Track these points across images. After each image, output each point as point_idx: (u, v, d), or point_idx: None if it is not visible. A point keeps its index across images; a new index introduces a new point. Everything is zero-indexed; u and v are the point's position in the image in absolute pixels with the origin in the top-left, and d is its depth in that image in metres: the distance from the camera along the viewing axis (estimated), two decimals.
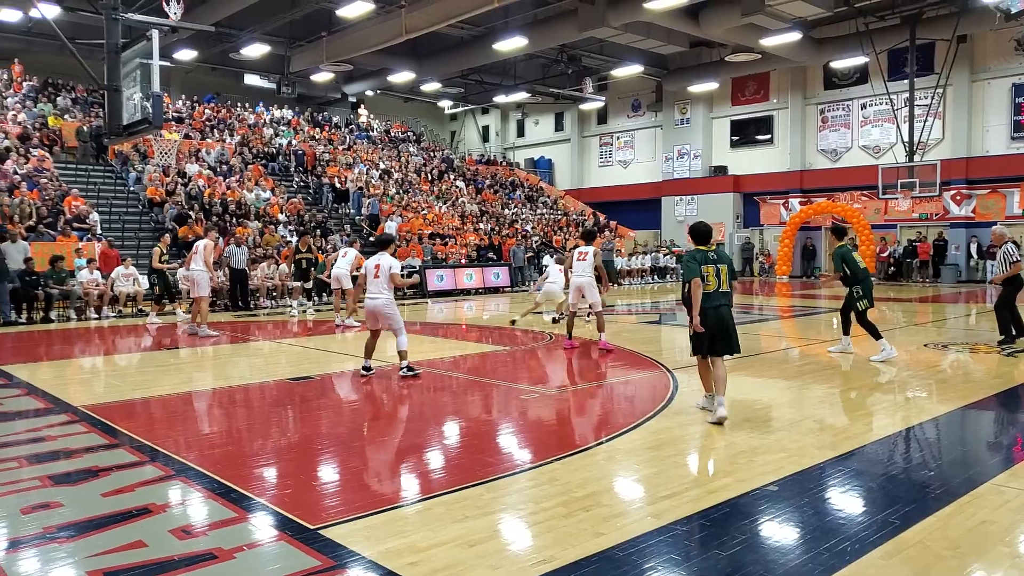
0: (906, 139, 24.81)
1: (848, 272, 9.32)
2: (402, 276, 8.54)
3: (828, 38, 26.68)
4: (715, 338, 6.21)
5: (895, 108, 25.30)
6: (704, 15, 22.93)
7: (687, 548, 3.72)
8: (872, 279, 9.67)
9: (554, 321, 13.68)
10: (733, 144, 32.47)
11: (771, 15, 21.36)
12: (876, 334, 9.32)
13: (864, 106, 28.55)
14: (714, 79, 30.07)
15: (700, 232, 6.40)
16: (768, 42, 24.19)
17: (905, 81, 25.08)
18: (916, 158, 24.81)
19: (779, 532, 3.99)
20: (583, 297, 10.47)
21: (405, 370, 8.34)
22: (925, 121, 24.79)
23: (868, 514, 4.19)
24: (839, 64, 27.60)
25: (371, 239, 23.75)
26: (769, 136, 31.32)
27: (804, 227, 28.85)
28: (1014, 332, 10.32)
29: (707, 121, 32.88)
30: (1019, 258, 10.24)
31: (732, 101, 32.23)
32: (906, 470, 5.10)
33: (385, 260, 8.34)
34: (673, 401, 7.06)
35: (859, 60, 25.73)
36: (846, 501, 4.45)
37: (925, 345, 10.66)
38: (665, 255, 29.42)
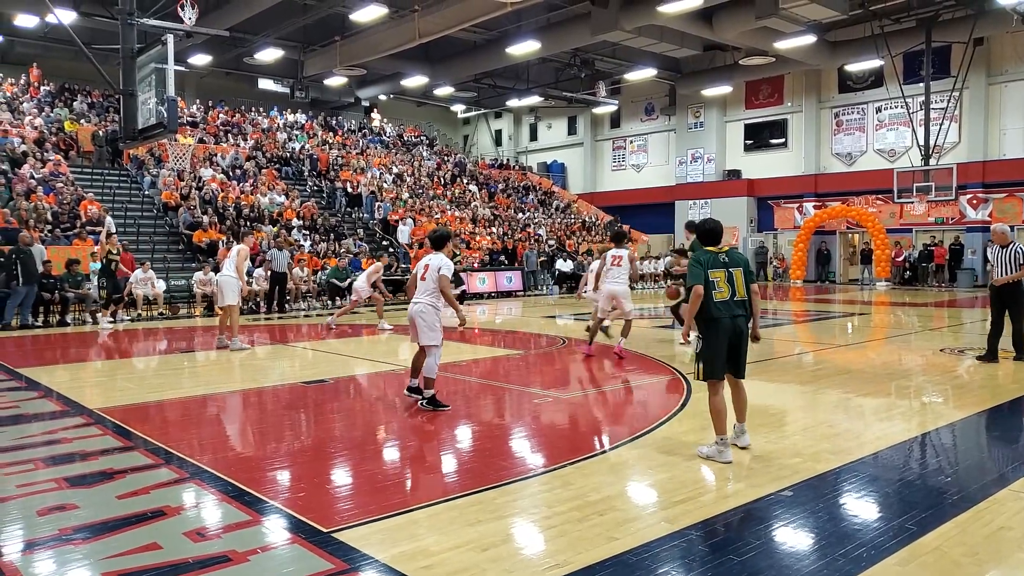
0: (922, 142, 24.62)
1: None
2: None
3: (843, 41, 26.54)
4: (733, 354, 5.27)
5: (911, 111, 25.12)
6: (718, 18, 22.86)
7: (701, 553, 3.70)
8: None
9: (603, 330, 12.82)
10: (747, 148, 32.35)
11: (785, 18, 21.27)
12: None
13: (879, 109, 28.39)
14: (728, 82, 29.99)
15: (709, 231, 5.43)
16: (782, 45, 24.09)
17: (921, 84, 24.90)
18: (932, 162, 24.61)
19: (794, 538, 3.96)
20: (614, 307, 10.07)
21: (425, 402, 6.94)
22: (941, 124, 24.59)
23: (884, 520, 4.15)
24: (854, 67, 27.46)
25: (382, 241, 23.82)
26: (783, 140, 31.18)
27: (818, 231, 28.70)
28: (997, 349, 9.56)
29: (721, 125, 32.78)
30: None
31: (746, 104, 32.12)
32: (922, 476, 5.05)
33: (435, 260, 6.96)
34: (687, 406, 7.02)
35: (874, 63, 25.58)
36: (862, 507, 4.41)
37: (941, 350, 10.56)
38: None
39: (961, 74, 24.11)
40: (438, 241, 7.11)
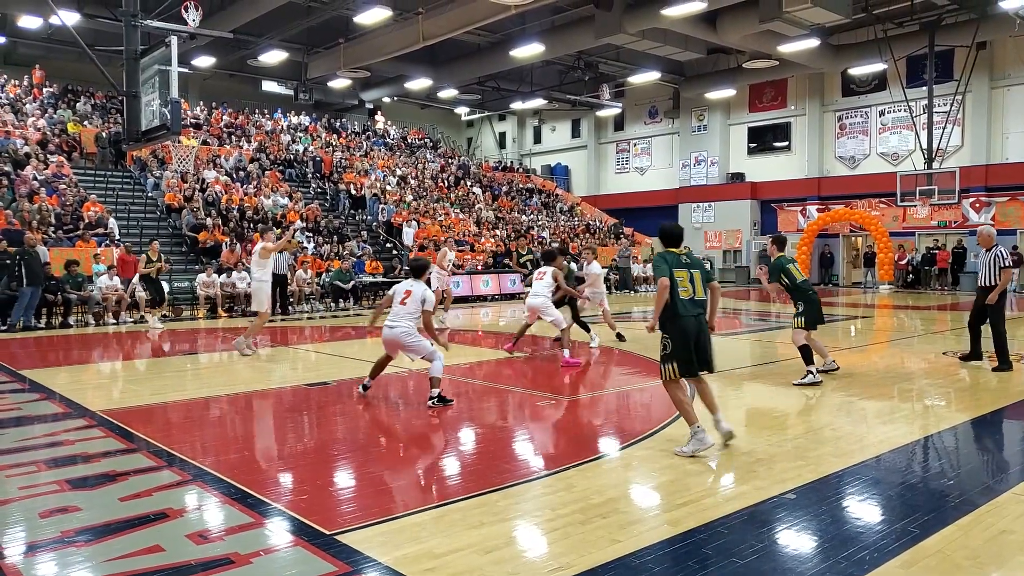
0: (925, 146, 24.60)
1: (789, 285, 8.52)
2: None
3: (846, 45, 26.55)
4: (700, 351, 5.46)
5: (913, 115, 25.10)
6: (721, 21, 22.87)
7: (704, 556, 3.69)
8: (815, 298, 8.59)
9: (621, 338, 12.12)
10: (750, 151, 32.35)
11: (789, 22, 21.24)
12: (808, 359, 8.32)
13: (882, 113, 28.38)
14: (731, 86, 30.00)
15: (670, 234, 5.68)
16: (786, 49, 24.09)
17: (924, 88, 24.87)
18: (935, 165, 24.59)
19: (797, 540, 3.95)
20: (539, 318, 10.48)
21: (435, 400, 7.21)
22: (944, 128, 24.57)
23: (887, 523, 4.15)
24: (857, 71, 27.45)
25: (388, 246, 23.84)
26: (787, 143, 31.18)
27: (822, 234, 28.67)
28: (982, 352, 9.44)
29: (724, 128, 32.79)
30: (1010, 263, 9.04)
31: (749, 108, 32.12)
32: (924, 479, 5.04)
33: (419, 289, 7.33)
34: None
35: (877, 67, 25.59)
36: (864, 510, 4.41)
37: (944, 353, 10.54)
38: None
39: (964, 78, 24.10)
40: (418, 270, 7.61)
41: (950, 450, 5.91)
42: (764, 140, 31.88)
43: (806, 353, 8.32)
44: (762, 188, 31.62)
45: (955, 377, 8.78)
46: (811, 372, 8.17)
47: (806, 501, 4.51)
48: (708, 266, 7.20)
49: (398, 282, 7.96)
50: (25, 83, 25.88)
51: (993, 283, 9.02)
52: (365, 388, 7.77)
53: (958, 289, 25.30)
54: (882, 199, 27.63)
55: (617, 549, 3.75)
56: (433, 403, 7.15)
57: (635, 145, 36.78)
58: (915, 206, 25.58)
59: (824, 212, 28.59)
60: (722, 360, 10.24)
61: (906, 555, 3.68)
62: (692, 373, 5.51)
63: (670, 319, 5.47)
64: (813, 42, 23.84)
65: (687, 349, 5.41)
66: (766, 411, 7.11)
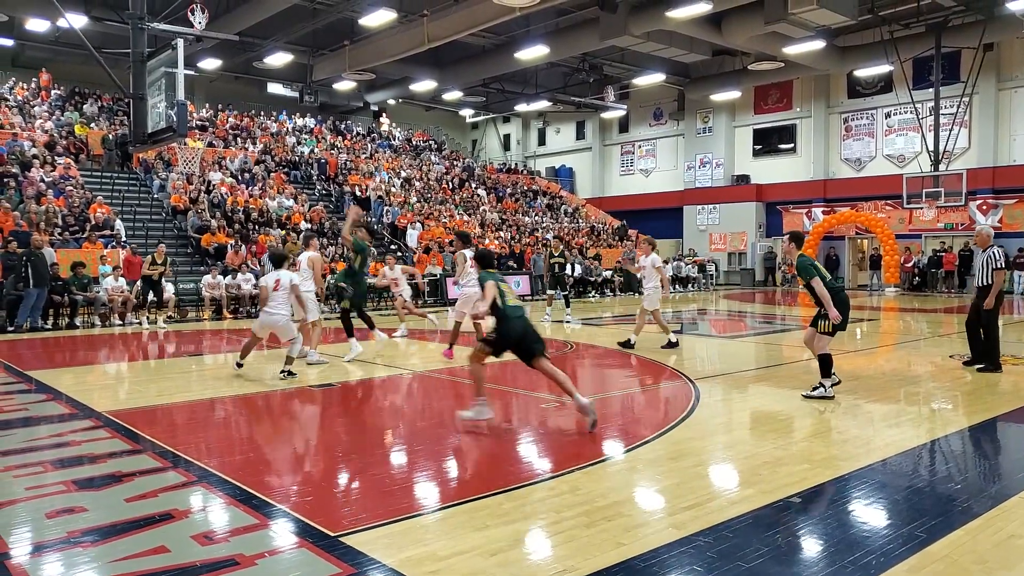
0: (931, 148, 24.54)
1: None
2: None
3: (852, 46, 26.51)
4: (524, 341, 6.44)
5: (920, 117, 25.06)
6: (727, 23, 22.86)
7: (709, 559, 3.68)
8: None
9: (628, 344, 11.53)
10: (756, 153, 32.31)
11: (794, 23, 21.22)
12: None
13: (888, 115, 28.31)
14: (736, 88, 29.97)
15: (485, 257, 7.07)
16: (791, 50, 24.06)
17: (930, 90, 24.83)
18: (941, 167, 24.53)
19: (803, 544, 3.94)
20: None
21: (286, 374, 8.77)
22: (951, 130, 24.51)
23: (893, 527, 4.13)
24: (863, 72, 27.39)
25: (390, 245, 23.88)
26: (792, 145, 31.13)
27: (827, 237, 28.59)
28: (978, 354, 9.24)
29: (729, 130, 32.75)
30: (1003, 265, 8.95)
31: (755, 110, 32.08)
32: (932, 483, 5.02)
33: (285, 276, 8.92)
34: (695, 411, 7.01)
35: (883, 68, 25.53)
36: (871, 514, 4.39)
37: (951, 356, 10.50)
38: (687, 265, 29.19)
39: (971, 79, 24.04)
40: (278, 261, 9.32)
41: (957, 454, 5.89)
42: (769, 142, 31.84)
43: (826, 363, 7.56)
44: (767, 190, 31.57)
45: (962, 380, 8.74)
46: (823, 385, 7.52)
47: (812, 505, 4.50)
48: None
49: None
50: (33, 86, 25.99)
51: (987, 283, 8.96)
52: (239, 366, 9.17)
53: (964, 292, 25.17)
54: (888, 201, 27.57)
55: (622, 552, 3.74)
56: (284, 375, 8.72)
57: (640, 147, 36.76)
58: (921, 208, 25.52)
59: (830, 214, 28.52)
60: (727, 363, 10.25)
61: (913, 559, 3.66)
62: (496, 355, 6.59)
63: (500, 320, 6.44)
64: (819, 44, 23.82)
65: (505, 341, 6.43)
66: (772, 414, 7.09)
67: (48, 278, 14.41)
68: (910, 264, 26.66)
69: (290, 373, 8.83)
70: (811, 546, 3.92)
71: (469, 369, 6.58)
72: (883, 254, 26.66)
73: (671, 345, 11.28)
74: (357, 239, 10.52)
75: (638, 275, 11.90)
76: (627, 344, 11.36)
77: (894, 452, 5.61)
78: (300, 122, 31.90)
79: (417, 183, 29.73)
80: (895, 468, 5.27)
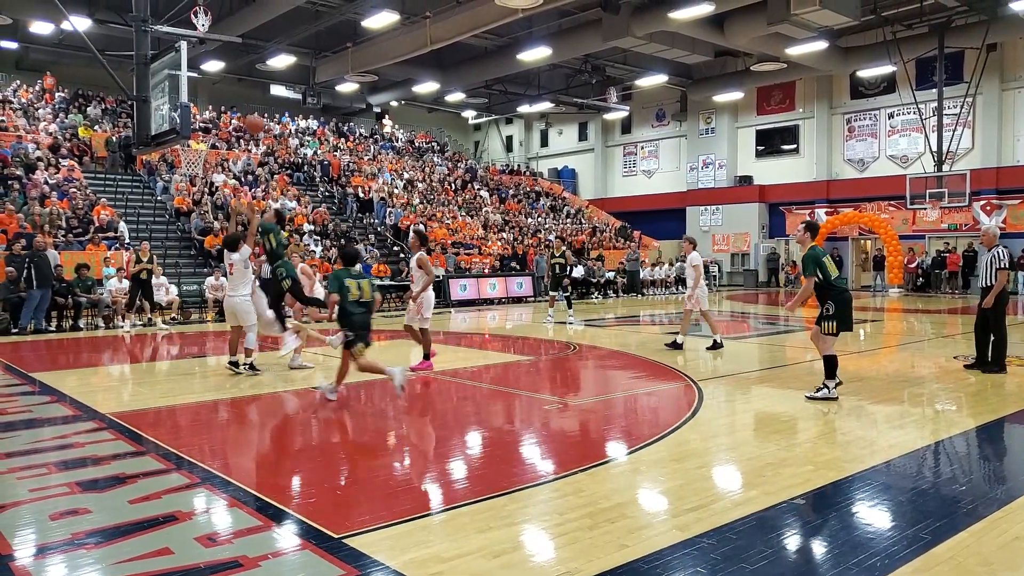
0: (934, 149, 24.49)
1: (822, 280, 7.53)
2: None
3: (855, 47, 26.47)
4: (362, 334, 7.48)
5: (923, 117, 25.00)
6: (729, 24, 22.84)
7: (713, 561, 3.67)
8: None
9: (676, 345, 11.49)
10: (758, 154, 32.28)
11: (797, 24, 21.18)
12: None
13: (891, 115, 28.27)
14: (739, 88, 29.94)
15: (349, 255, 7.93)
16: (794, 51, 24.04)
17: (933, 90, 24.78)
18: (945, 168, 24.47)
19: (807, 546, 3.93)
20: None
21: (247, 367, 8.96)
22: (954, 131, 24.46)
23: (897, 529, 4.12)
24: (866, 73, 27.37)
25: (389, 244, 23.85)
26: (795, 146, 31.10)
27: (831, 237, 28.54)
28: (989, 358, 9.06)
29: (732, 131, 32.73)
30: (1007, 265, 8.83)
31: (757, 110, 32.06)
32: (936, 484, 5.01)
33: (235, 256, 9.03)
34: (698, 413, 7.00)
35: (886, 69, 25.48)
36: (875, 515, 4.38)
37: (955, 357, 10.48)
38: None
39: (974, 80, 23.98)
40: (231, 244, 9.20)
41: (962, 455, 5.87)
42: (772, 143, 31.82)
43: (831, 365, 7.43)
44: (770, 191, 31.55)
45: (966, 382, 8.72)
46: (827, 386, 7.43)
47: (816, 506, 4.49)
48: None
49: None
50: (37, 88, 26.06)
51: (991, 283, 8.92)
52: (233, 365, 9.22)
53: (968, 292, 25.14)
54: (891, 202, 27.52)
55: (625, 554, 3.74)
56: (241, 369, 8.90)
57: (642, 148, 36.75)
58: (925, 209, 25.45)
59: (833, 215, 28.49)
60: (730, 364, 10.24)
61: (917, 562, 3.65)
62: (355, 347, 7.44)
63: (345, 315, 7.40)
64: (821, 44, 23.79)
65: (355, 333, 7.44)
66: (775, 415, 7.08)
67: (51, 279, 14.44)
68: (914, 265, 26.62)
69: (251, 367, 8.90)
70: (816, 548, 3.91)
71: (358, 365, 7.46)
72: (886, 255, 26.63)
73: (676, 346, 11.36)
74: (265, 223, 9.72)
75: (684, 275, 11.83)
76: (678, 346, 11.39)
77: (898, 454, 5.60)
78: (303, 124, 31.94)
79: (420, 185, 29.74)
80: (899, 470, 5.26)
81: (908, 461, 5.46)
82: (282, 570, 3.62)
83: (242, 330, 9.28)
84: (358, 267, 8.02)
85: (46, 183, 19.16)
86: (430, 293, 9.47)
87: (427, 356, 9.62)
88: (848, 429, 6.41)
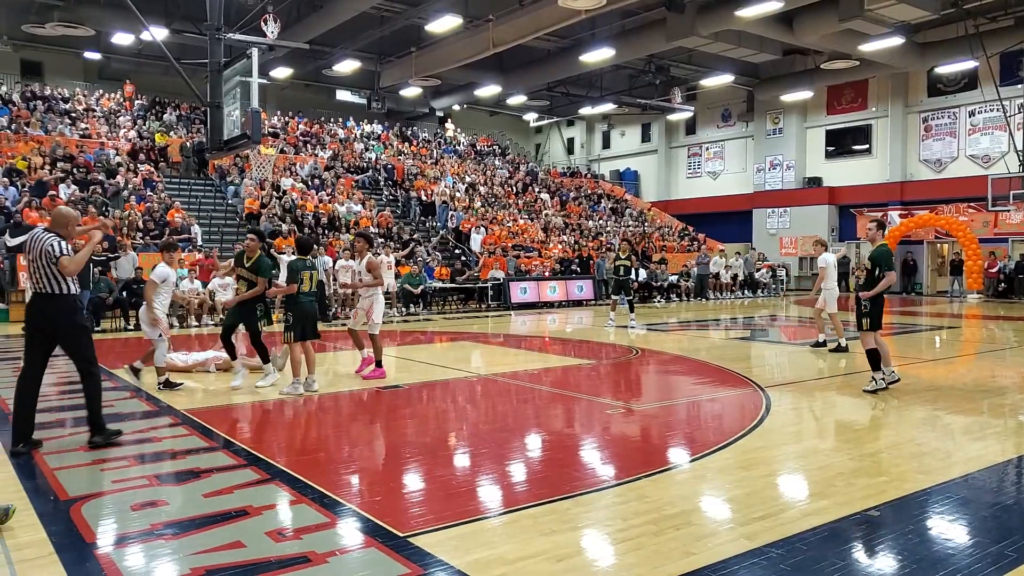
0: (1019, 147, 23.40)
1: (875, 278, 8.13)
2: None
3: (933, 42, 25.49)
4: (309, 326, 8.00)
5: (1007, 115, 23.92)
6: (799, 22, 22.30)
7: (782, 572, 3.58)
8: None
9: (820, 345, 11.91)
10: (828, 154, 31.42)
11: (871, 20, 20.54)
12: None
13: (972, 113, 27.15)
14: (808, 87, 29.17)
15: (304, 244, 8.38)
16: (867, 48, 23.31)
17: (1019, 86, 23.73)
18: None
19: (881, 560, 3.79)
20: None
21: (161, 386, 8.32)
22: None
23: (979, 546, 3.94)
24: (945, 69, 26.34)
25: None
26: (867, 146, 30.16)
27: (904, 241, 27.58)
28: None
29: (801, 131, 31.94)
30: None
31: (827, 110, 31.21)
32: (1020, 501, 4.77)
33: (157, 270, 8.43)
34: (766, 420, 6.84)
35: (967, 64, 24.46)
36: (954, 531, 4.20)
37: None
38: (758, 270, 28.47)
39: None
40: (167, 248, 8.83)
41: None
42: (843, 143, 30.92)
43: (875, 357, 8.07)
44: (840, 193, 30.66)
45: None
46: (875, 379, 8.06)
47: (890, 519, 4.33)
48: None
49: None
50: (118, 96, 27.20)
51: None
52: (134, 371, 8.91)
53: None
54: (971, 204, 26.41)
55: (691, 562, 3.68)
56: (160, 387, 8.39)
57: (707, 149, 36.18)
58: (1008, 211, 24.35)
59: (907, 218, 27.51)
60: (798, 370, 9.98)
61: None
62: (305, 339, 8.01)
63: (295, 304, 7.87)
64: (897, 40, 22.99)
65: (303, 323, 7.95)
66: (845, 423, 6.87)
67: (89, 279, 14.77)
68: (995, 269, 25.49)
69: (134, 371, 8.73)
70: (891, 562, 3.77)
71: (291, 356, 8.01)
72: (965, 259, 25.58)
73: (820, 345, 11.83)
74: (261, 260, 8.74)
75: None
76: (820, 344, 11.84)
77: (978, 467, 5.36)
78: (368, 128, 32.51)
79: (481, 188, 29.93)
80: (979, 484, 5.03)
81: (989, 475, 5.23)
82: (348, 567, 3.68)
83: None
84: (311, 258, 8.45)
85: (125, 187, 19.96)
86: (380, 298, 9.28)
87: (379, 363, 9.26)
88: (924, 440, 6.17)
